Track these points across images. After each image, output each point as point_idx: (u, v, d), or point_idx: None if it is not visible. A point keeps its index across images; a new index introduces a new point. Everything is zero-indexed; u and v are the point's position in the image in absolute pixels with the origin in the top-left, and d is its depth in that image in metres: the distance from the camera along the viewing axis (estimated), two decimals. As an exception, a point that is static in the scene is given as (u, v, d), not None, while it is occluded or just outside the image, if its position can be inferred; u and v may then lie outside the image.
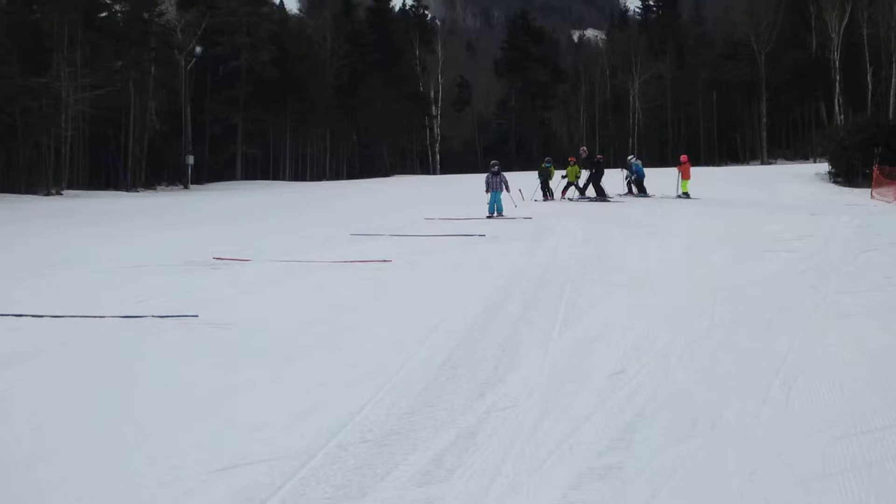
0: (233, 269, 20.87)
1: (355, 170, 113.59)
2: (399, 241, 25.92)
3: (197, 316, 14.30)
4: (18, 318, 14.65)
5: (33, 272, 21.52)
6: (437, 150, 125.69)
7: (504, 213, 35.54)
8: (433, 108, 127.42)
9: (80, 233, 34.21)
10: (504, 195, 36.29)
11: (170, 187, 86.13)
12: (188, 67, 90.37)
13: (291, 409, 9.19)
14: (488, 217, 34.87)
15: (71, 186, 74.84)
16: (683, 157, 46.86)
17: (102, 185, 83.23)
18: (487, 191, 36.41)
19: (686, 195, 43.80)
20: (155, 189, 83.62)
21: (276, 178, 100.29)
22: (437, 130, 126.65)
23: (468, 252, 23.48)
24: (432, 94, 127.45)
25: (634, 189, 44.74)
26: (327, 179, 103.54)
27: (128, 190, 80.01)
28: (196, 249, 24.66)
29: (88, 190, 75.67)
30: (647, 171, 47.59)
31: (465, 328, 13.02)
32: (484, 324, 13.33)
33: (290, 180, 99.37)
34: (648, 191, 44.85)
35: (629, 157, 47.45)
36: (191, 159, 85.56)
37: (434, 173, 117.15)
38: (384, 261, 21.44)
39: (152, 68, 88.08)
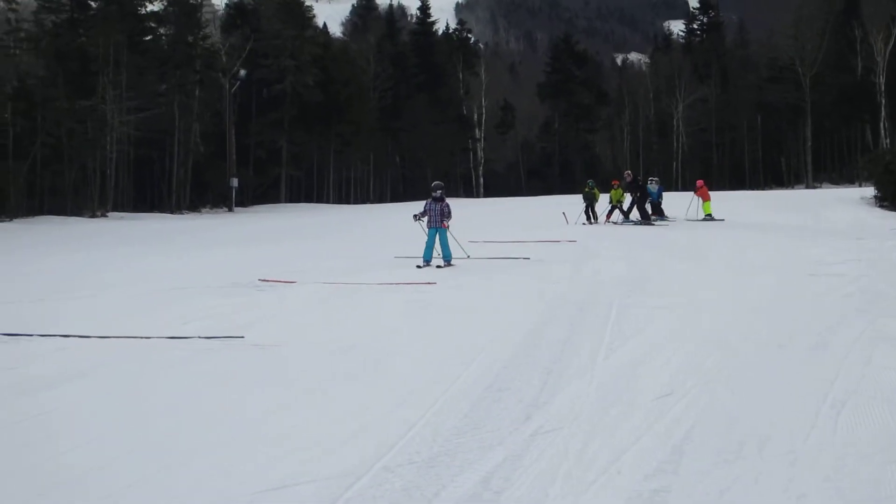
0: (278, 290, 20.93)
1: (399, 192, 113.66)
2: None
3: (243, 337, 14.38)
4: (65, 338, 14.75)
5: (80, 293, 21.67)
6: (480, 172, 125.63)
7: (451, 261, 26.18)
8: (477, 130, 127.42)
9: (125, 254, 34.39)
10: (449, 234, 26.83)
11: (214, 210, 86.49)
12: (232, 90, 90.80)
13: (337, 431, 9.20)
14: (420, 266, 25.57)
15: (116, 208, 75.29)
16: (699, 182, 46.90)
17: (147, 207, 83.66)
18: (419, 218, 26.94)
19: (710, 217, 43.74)
20: (199, 211, 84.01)
21: (319, 200, 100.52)
22: (480, 153, 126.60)
23: (513, 275, 23.42)
24: (476, 116, 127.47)
25: (649, 212, 44.39)
26: (371, 202, 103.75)
27: (172, 212, 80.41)
28: (241, 271, 24.79)
29: (133, 212, 76.05)
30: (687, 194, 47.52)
31: (510, 351, 13.00)
32: (529, 346, 13.30)
33: (333, 203, 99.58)
34: (666, 213, 44.67)
35: (651, 180, 47.22)
36: (235, 182, 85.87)
37: (478, 196, 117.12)
38: (429, 283, 21.46)
39: (197, 91, 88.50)
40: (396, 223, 42.88)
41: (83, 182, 74.92)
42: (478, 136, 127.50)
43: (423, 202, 26.90)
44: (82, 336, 14.81)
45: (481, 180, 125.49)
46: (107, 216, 69.34)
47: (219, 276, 24.06)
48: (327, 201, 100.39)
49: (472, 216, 51.41)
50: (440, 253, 26.24)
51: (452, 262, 26.14)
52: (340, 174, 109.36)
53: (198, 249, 36.31)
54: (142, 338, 14.69)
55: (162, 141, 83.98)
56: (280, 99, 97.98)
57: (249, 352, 13.45)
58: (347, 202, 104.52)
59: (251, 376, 12.00)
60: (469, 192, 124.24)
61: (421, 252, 25.31)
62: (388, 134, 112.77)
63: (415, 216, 27.28)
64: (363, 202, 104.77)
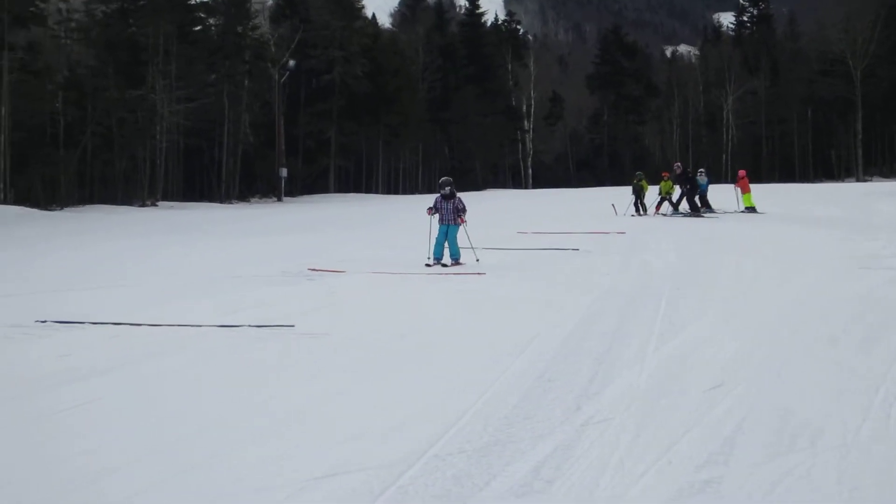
0: (327, 280, 21.01)
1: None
2: (493, 255, 25.89)
3: (293, 326, 14.42)
4: (117, 326, 14.84)
5: (131, 281, 21.81)
6: (529, 163, 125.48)
7: (460, 260, 24.59)
8: (525, 122, 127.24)
9: (175, 243, 34.52)
10: (461, 231, 25.23)
11: (263, 199, 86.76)
12: (281, 80, 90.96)
13: (388, 419, 9.22)
14: (430, 265, 24.17)
15: (165, 198, 75.67)
16: (741, 173, 46.63)
17: (196, 196, 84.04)
18: (431, 212, 25.23)
19: (751, 209, 43.57)
20: (248, 201, 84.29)
21: (368, 191, 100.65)
22: (529, 145, 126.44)
23: (562, 266, 23.39)
24: (524, 107, 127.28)
25: (698, 204, 44.10)
26: (420, 193, 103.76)
27: (221, 202, 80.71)
28: (291, 260, 24.84)
29: (183, 202, 76.41)
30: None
31: (560, 341, 12.98)
32: (579, 337, 13.28)
33: (382, 193, 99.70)
34: (712, 205, 44.43)
35: (699, 171, 46.91)
36: (284, 172, 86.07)
37: (526, 187, 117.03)
38: (478, 273, 21.47)
39: (246, 81, 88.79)
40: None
41: (133, 171, 75.35)
42: (526, 128, 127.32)
43: (434, 197, 25.71)
44: (133, 324, 14.91)
45: (530, 171, 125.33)
46: (156, 205, 69.70)
47: (268, 265, 24.14)
48: (376, 192, 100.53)
49: (520, 207, 51.42)
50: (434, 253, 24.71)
51: (461, 261, 24.39)
52: (389, 165, 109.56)
53: (247, 238, 36.41)
54: (192, 326, 14.77)
55: (211, 131, 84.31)
56: (329, 89, 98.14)
57: (299, 341, 13.49)
58: (396, 192, 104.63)
59: (301, 365, 12.04)
60: (517, 183, 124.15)
61: (463, 243, 25.12)
62: (436, 125, 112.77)
63: (429, 210, 25.36)
64: (412, 193, 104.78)
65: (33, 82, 68.19)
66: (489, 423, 8.96)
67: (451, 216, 24.81)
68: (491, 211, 47.56)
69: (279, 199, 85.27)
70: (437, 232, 24.80)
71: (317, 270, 22.65)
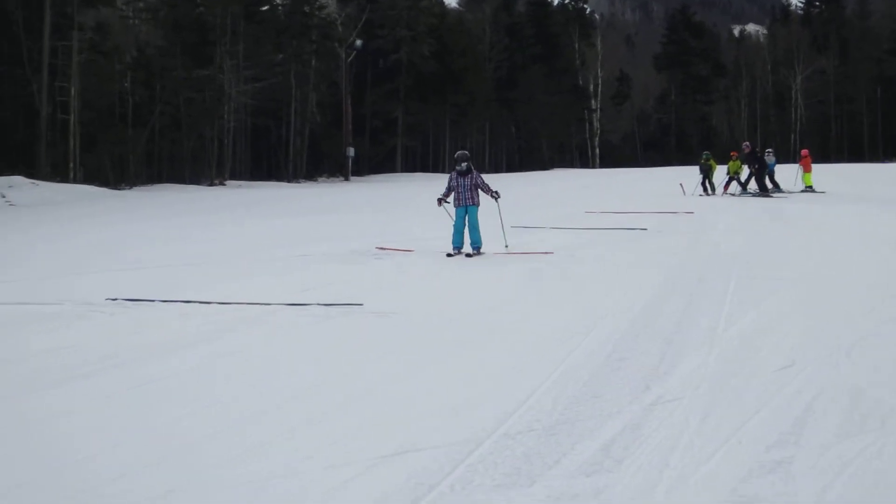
0: (395, 258, 21.09)
1: (514, 163, 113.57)
2: (560, 234, 25.88)
3: (362, 304, 14.48)
4: (187, 304, 14.97)
5: (202, 260, 21.96)
6: (596, 143, 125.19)
7: (481, 248, 21.99)
8: (592, 101, 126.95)
9: (244, 222, 34.71)
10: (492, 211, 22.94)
11: (330, 179, 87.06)
12: (348, 60, 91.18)
13: (456, 398, 9.23)
14: (451, 255, 21.60)
15: (233, 177, 76.10)
16: (804, 152, 46.52)
17: (264, 176, 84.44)
18: (444, 200, 22.67)
19: (810, 188, 43.40)
20: (316, 180, 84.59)
21: (435, 170, 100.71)
22: (596, 124, 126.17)
23: (631, 246, 23.33)
24: (591, 87, 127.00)
25: (767, 184, 43.77)
26: (487, 173, 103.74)
27: (289, 181, 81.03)
28: (359, 239, 24.96)
29: (250, 181, 76.80)
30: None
31: (628, 321, 12.96)
32: (648, 317, 13.25)
33: (449, 173, 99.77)
34: (780, 186, 44.14)
35: (767, 151, 46.60)
36: (351, 151, 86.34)
37: (594, 167, 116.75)
38: (546, 253, 21.45)
39: (313, 61, 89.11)
40: (512, 193, 42.87)
41: (201, 151, 75.86)
42: (593, 107, 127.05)
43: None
44: (203, 302, 15.03)
45: (597, 151, 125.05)
46: (224, 185, 70.13)
47: (337, 244, 24.24)
48: (443, 171, 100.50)
49: (587, 186, 51.21)
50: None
51: (483, 250, 21.83)
52: (456, 144, 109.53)
53: (314, 217, 36.54)
54: (261, 304, 14.87)
55: (279, 111, 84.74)
56: (395, 69, 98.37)
57: (368, 319, 13.54)
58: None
59: (370, 344, 12.08)
60: (584, 162, 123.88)
61: (531, 223, 24.98)
62: (503, 104, 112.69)
63: (439, 200, 22.58)
64: (479, 173, 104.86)
65: (102, 63, 68.85)
66: (558, 402, 8.95)
67: (469, 195, 22.11)
68: (558, 190, 47.55)
69: (346, 179, 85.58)
70: (454, 217, 22.16)
71: (385, 249, 22.73)
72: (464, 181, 22.27)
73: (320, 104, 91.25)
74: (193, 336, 12.58)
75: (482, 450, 7.65)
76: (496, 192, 22.26)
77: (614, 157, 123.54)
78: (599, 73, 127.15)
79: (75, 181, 61.07)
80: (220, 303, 14.85)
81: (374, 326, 13.04)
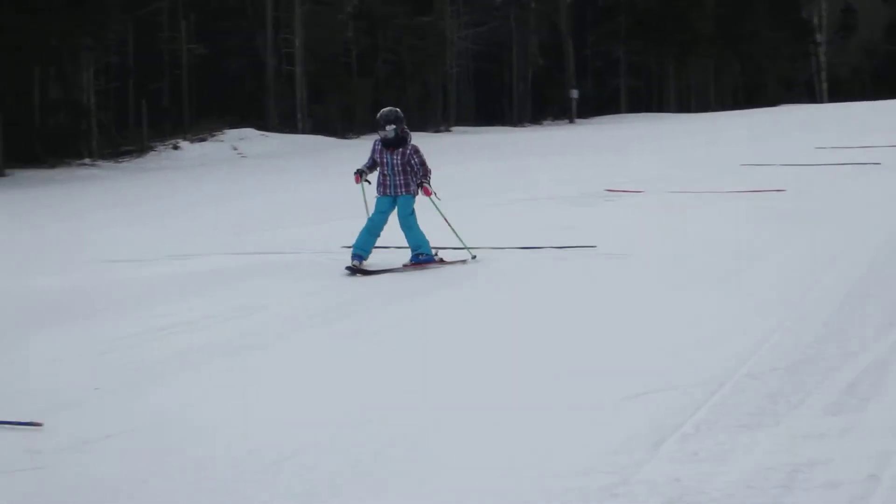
0: (626, 200, 21.08)
1: (739, 100, 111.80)
2: (790, 171, 25.42)
3: (595, 247, 14.52)
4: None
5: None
6: (823, 77, 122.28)
7: (426, 256, 14.13)
8: (817, 35, 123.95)
9: (472, 167, 34.89)
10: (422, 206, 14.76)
11: (555, 122, 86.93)
12: (568, 2, 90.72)
13: (696, 338, 9.24)
14: (350, 269, 13.68)
15: (458, 123, 76.53)
16: None
17: (489, 121, 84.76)
18: (365, 175, 14.68)
19: None
20: (541, 123, 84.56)
21: (659, 110, 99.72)
22: (822, 58, 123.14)
23: (863, 182, 22.83)
24: (816, 20, 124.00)
25: None
26: (712, 111, 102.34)
27: (514, 125, 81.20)
28: (588, 181, 24.83)
29: (476, 126, 77.17)
30: None
31: (868, 257, 12.77)
32: (889, 253, 13.02)
33: (674, 112, 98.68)
34: None
35: None
36: (575, 93, 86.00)
37: (821, 102, 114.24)
38: (777, 190, 21.16)
39: (532, 3, 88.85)
40: (738, 130, 42.29)
41: (426, 98, 76.51)
42: (819, 41, 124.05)
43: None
44: (438, 248, 15.27)
45: (824, 85, 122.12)
46: (450, 131, 70.57)
47: (566, 187, 24.19)
48: (668, 111, 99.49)
49: (815, 122, 50.05)
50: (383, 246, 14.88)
51: (434, 258, 14.28)
52: (680, 83, 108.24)
53: (542, 160, 36.52)
54: (495, 248, 15.04)
55: (501, 55, 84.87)
56: (616, 8, 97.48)
57: (602, 261, 13.63)
58: (688, 111, 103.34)
59: (605, 286, 12.18)
60: (812, 98, 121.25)
61: (759, 160, 24.40)
62: (726, 41, 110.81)
63: (358, 172, 14.73)
64: (704, 111, 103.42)
65: (324, 13, 69.77)
66: (800, 341, 8.88)
67: (400, 179, 14.35)
68: (783, 125, 46.65)
69: (571, 121, 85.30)
70: (371, 209, 14.58)
71: (615, 191, 22.69)
72: (391, 158, 14.38)
73: (542, 47, 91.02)
74: (434, 281, 12.91)
75: (725, 390, 7.65)
76: (425, 179, 14.44)
77: (843, 91, 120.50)
78: (823, 6, 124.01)
79: (303, 132, 62.16)
80: (453, 248, 15.02)
81: (608, 268, 13.14)
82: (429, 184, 14.32)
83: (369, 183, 14.68)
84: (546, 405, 7.58)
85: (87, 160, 46.43)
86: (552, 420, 7.28)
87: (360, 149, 48.09)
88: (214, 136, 51.42)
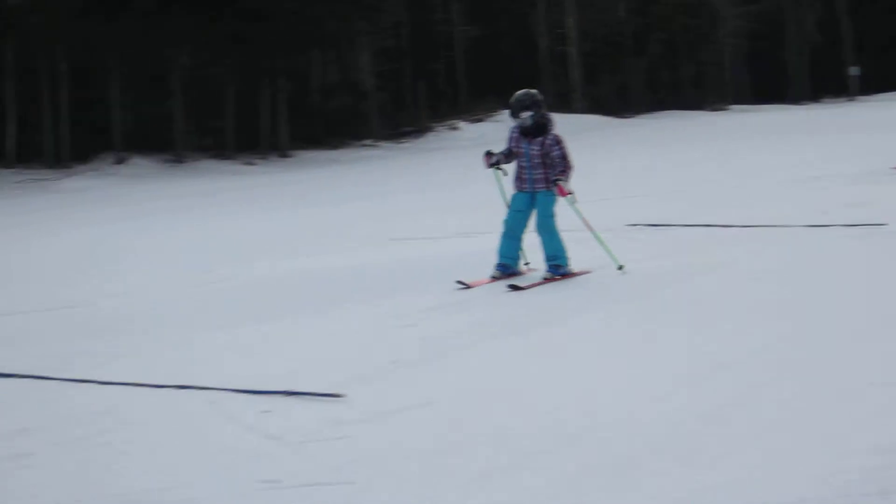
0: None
1: None
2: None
3: (886, 224, 14.23)
4: (707, 227, 15.24)
5: (711, 185, 22.13)
6: None
7: (564, 268, 12.25)
8: None
9: (751, 147, 34.35)
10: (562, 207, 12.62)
11: (835, 100, 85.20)
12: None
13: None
14: (496, 277, 12.32)
15: (736, 101, 75.68)
16: None
17: (766, 99, 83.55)
18: (501, 162, 12.94)
19: None
20: (819, 101, 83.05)
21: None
22: None
23: None
24: None
25: None
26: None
27: (792, 103, 79.97)
28: (872, 158, 24.18)
29: (754, 105, 76.21)
30: None
31: None
32: None
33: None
34: None
35: None
36: (855, 70, 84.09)
37: None
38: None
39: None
40: None
41: (701, 77, 76.02)
42: None
43: (509, 131, 13.37)
44: (723, 226, 15.26)
45: None
46: (727, 109, 69.85)
47: (850, 164, 23.57)
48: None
49: None
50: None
51: (570, 269, 12.38)
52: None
53: (814, 138, 35.70)
54: (781, 227, 14.91)
55: (775, 33, 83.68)
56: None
57: (892, 239, 13.37)
58: None
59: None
60: None
61: None
62: None
63: (488, 154, 12.98)
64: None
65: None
66: None
67: (538, 173, 12.46)
68: None
69: (850, 99, 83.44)
70: (509, 204, 12.88)
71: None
72: (529, 147, 12.51)
73: (818, 23, 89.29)
74: (721, 258, 12.94)
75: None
76: (562, 176, 12.24)
77: None
78: None
79: (580, 112, 62.31)
80: (740, 226, 14.96)
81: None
82: (565, 181, 12.17)
83: (505, 173, 13.07)
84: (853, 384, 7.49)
85: (368, 141, 47.53)
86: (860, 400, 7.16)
87: (640, 129, 48.22)
88: (491, 115, 51.86)
